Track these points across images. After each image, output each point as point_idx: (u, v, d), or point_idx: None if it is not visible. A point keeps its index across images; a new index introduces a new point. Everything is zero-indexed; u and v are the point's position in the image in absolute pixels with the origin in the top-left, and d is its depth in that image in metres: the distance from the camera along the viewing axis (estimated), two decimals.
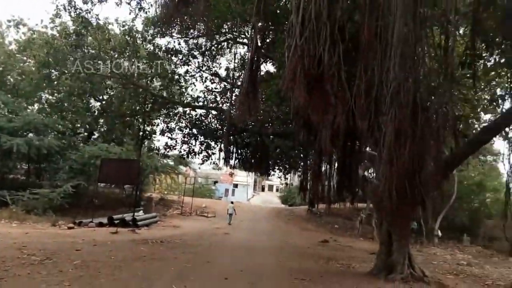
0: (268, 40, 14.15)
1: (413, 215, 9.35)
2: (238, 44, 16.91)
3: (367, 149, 10.61)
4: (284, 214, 31.13)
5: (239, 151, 16.47)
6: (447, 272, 12.61)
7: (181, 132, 18.33)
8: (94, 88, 21.08)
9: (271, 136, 16.56)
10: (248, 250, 13.41)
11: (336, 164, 10.06)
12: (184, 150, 18.08)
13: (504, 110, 10.54)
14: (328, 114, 6.20)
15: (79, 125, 27.34)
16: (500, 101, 12.32)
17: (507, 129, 9.41)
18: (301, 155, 16.53)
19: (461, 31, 10.81)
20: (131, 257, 9.42)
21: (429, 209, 9.96)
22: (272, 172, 20.69)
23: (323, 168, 10.62)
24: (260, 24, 8.41)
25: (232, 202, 25.93)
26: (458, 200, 24.12)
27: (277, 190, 67.57)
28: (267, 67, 16.68)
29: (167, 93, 19.04)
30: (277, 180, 28.59)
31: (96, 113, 26.14)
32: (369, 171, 12.51)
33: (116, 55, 18.40)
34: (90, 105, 26.32)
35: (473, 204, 26.21)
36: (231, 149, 16.11)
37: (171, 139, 18.51)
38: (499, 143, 39.89)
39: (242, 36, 16.19)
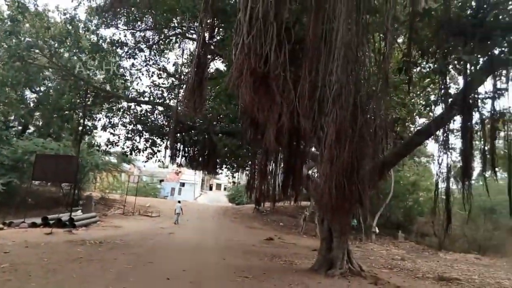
0: (218, 38, 14.08)
1: (352, 212, 9.79)
2: (187, 40, 16.61)
3: (312, 149, 10.94)
4: (231, 213, 31.18)
5: (186, 149, 16.17)
6: (383, 266, 13.41)
7: (124, 128, 17.56)
8: (30, 78, 19.54)
9: (219, 134, 16.47)
10: (192, 249, 13.24)
11: (282, 163, 10.26)
12: (128, 147, 17.36)
13: (436, 115, 11.39)
14: (274, 113, 6.29)
15: (12, 118, 25.29)
16: (433, 106, 13.27)
17: (438, 132, 10.10)
18: (249, 154, 16.63)
19: (400, 40, 11.52)
20: (66, 259, 8.89)
21: (367, 207, 10.48)
22: (220, 171, 20.59)
23: (269, 167, 10.81)
24: (209, 20, 8.34)
25: (179, 201, 25.57)
26: (394, 198, 25.66)
27: (225, 189, 67.44)
28: (217, 64, 16.57)
29: (110, 87, 18.16)
30: (225, 179, 28.52)
31: (31, 106, 24.32)
32: (313, 170, 12.90)
33: (56, 45, 17.22)
34: (25, 97, 24.42)
35: (407, 203, 27.96)
36: (178, 146, 15.78)
37: (114, 135, 17.69)
38: (431, 146, 43.04)
39: (192, 31, 15.94)
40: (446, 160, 9.03)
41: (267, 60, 5.77)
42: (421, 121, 16.14)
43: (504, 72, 9.45)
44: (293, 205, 22.22)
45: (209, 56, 14.99)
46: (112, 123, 18.03)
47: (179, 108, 13.50)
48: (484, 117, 9.59)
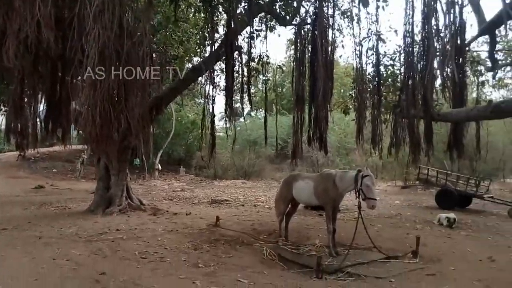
0: None
1: (126, 146, 9.60)
2: None
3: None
4: None
5: None
6: (164, 199, 14.23)
7: None
8: None
9: None
10: None
11: (44, 97, 8.78)
12: None
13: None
14: (13, 21, 5.04)
15: None
16: (207, 46, 14.04)
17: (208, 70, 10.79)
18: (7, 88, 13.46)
19: None
20: None
21: (149, 144, 10.53)
22: None
23: (28, 101, 9.06)
24: None
25: None
26: (176, 136, 26.92)
27: None
28: None
29: None
30: None
31: None
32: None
33: None
34: None
35: (188, 140, 29.78)
36: None
37: None
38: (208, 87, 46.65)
39: None
40: (211, 94, 9.98)
41: None
42: (196, 59, 16.83)
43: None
44: (69, 149, 20.03)
45: None
46: None
47: None
48: (244, 59, 10.82)
